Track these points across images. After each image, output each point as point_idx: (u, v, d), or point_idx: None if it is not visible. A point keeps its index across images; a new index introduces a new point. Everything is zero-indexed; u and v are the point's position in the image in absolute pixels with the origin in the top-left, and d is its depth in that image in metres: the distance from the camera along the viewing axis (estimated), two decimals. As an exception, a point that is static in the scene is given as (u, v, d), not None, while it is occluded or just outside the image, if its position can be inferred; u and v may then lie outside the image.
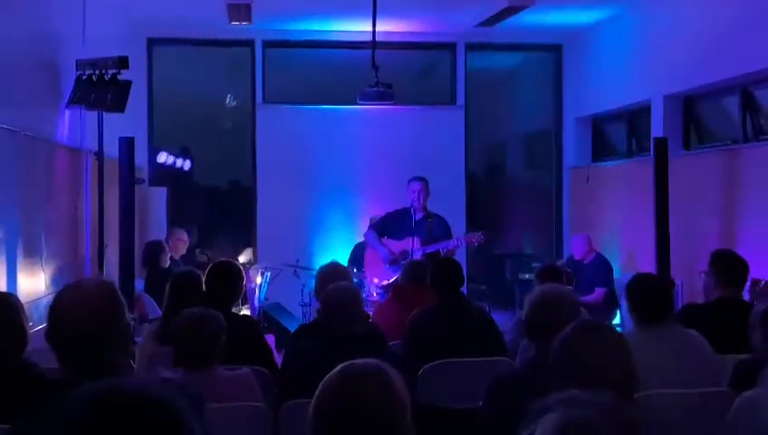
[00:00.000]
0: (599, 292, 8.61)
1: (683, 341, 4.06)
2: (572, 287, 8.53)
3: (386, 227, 8.11)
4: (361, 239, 8.83)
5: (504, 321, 9.62)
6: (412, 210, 7.92)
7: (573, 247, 9.13)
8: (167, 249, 8.09)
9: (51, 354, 4.50)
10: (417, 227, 7.81)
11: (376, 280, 7.91)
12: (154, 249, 7.93)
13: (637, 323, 4.17)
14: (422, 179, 7.97)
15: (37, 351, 3.58)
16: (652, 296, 4.16)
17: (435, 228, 7.86)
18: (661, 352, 3.93)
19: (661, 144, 7.97)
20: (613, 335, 2.71)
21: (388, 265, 7.85)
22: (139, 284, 7.62)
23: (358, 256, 8.63)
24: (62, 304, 2.51)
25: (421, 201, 7.86)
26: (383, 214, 8.37)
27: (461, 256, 10.77)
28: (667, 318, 4.15)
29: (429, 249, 7.77)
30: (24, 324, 3.42)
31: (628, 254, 9.52)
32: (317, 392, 2.07)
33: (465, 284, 10.92)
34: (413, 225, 7.84)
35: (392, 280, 7.60)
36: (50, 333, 2.47)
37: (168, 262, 7.99)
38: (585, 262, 8.89)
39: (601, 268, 8.81)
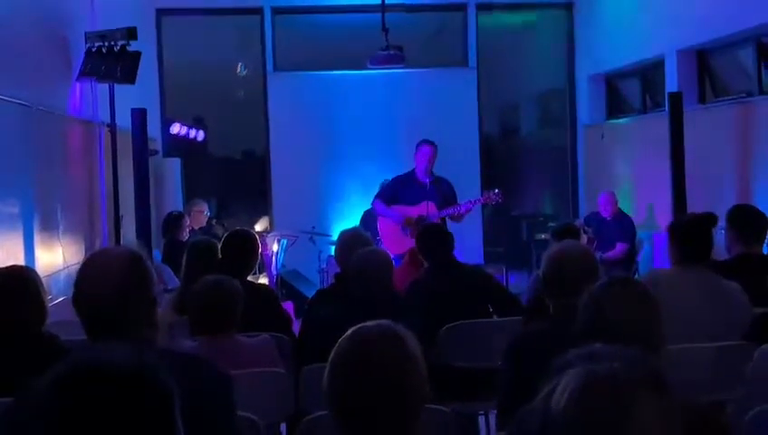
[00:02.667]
0: (620, 247, 8.70)
1: (717, 288, 4.01)
2: (594, 245, 8.68)
3: (395, 194, 7.97)
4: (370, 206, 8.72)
5: (521, 281, 9.68)
6: (419, 174, 7.87)
7: (600, 204, 9.16)
8: (186, 221, 8.11)
9: (71, 326, 4.53)
10: (429, 191, 7.74)
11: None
12: (173, 221, 7.96)
13: (675, 262, 4.19)
14: (432, 143, 7.87)
15: (57, 323, 3.62)
16: (689, 235, 4.18)
17: (447, 191, 7.83)
18: (693, 295, 3.92)
19: (676, 99, 7.91)
20: (642, 291, 2.70)
21: (403, 230, 7.68)
22: (157, 255, 7.65)
23: (368, 225, 8.33)
24: (87, 270, 2.45)
25: (431, 165, 7.80)
26: (390, 180, 8.23)
27: (477, 218, 10.78)
28: (703, 260, 4.14)
29: (447, 212, 7.72)
30: (44, 297, 3.45)
31: (644, 210, 9.48)
32: (331, 356, 2.08)
33: (482, 245, 11.04)
34: (423, 189, 7.78)
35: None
36: (74, 300, 2.45)
37: (188, 234, 8.01)
38: (608, 218, 8.96)
39: (624, 225, 8.93)
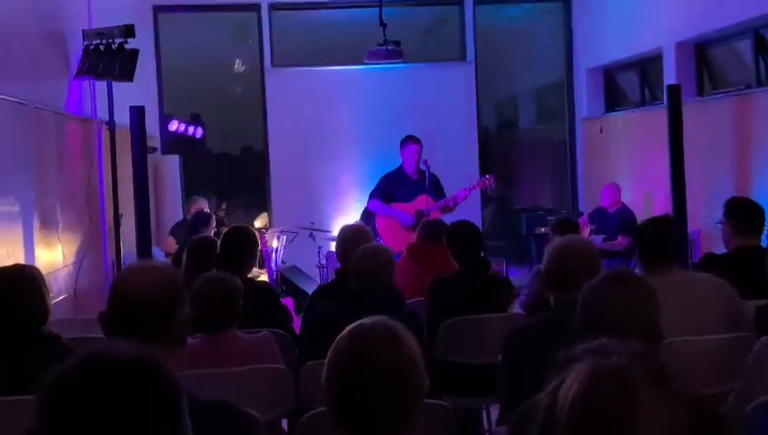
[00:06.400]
0: (621, 240, 8.69)
1: (689, 287, 3.92)
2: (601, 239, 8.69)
3: (389, 191, 7.99)
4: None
5: (521, 275, 9.68)
6: (408, 171, 7.93)
7: (602, 196, 9.16)
8: (211, 222, 8.10)
9: (72, 325, 4.52)
10: (422, 185, 7.80)
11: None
12: (204, 219, 7.97)
13: (643, 268, 4.11)
14: (419, 140, 8.01)
15: (57, 322, 3.62)
16: (652, 239, 4.11)
17: (436, 184, 7.94)
18: (667, 300, 3.84)
19: (674, 91, 7.89)
20: (642, 285, 2.70)
21: (408, 230, 7.68)
22: (156, 252, 7.64)
23: (369, 221, 8.33)
24: (133, 279, 2.42)
25: (419, 161, 7.90)
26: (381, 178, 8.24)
27: (476, 212, 10.78)
28: (669, 262, 4.06)
29: (445, 203, 7.79)
30: (46, 296, 3.44)
31: (643, 204, 9.47)
32: (329, 353, 2.09)
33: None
34: (416, 184, 7.83)
35: None
36: (112, 310, 2.39)
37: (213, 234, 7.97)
38: (610, 211, 8.97)
39: (626, 218, 8.88)
